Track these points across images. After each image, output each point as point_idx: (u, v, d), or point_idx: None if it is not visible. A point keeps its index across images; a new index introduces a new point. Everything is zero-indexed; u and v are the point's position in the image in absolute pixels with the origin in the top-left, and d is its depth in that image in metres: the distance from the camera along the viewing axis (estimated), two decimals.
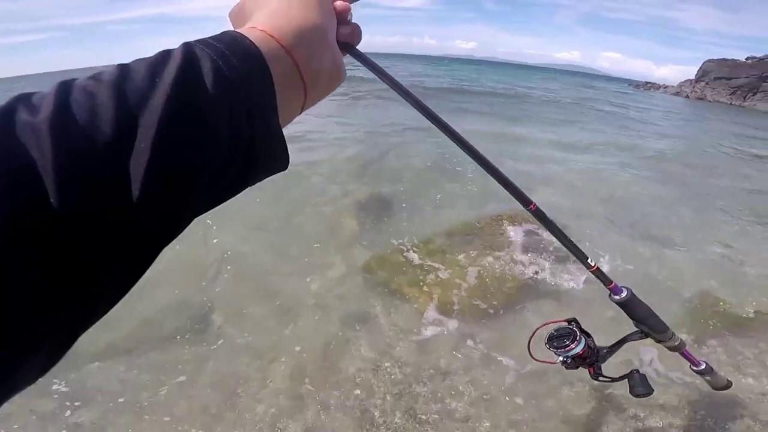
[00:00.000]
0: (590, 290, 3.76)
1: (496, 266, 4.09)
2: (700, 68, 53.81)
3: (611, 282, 1.23)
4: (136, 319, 3.34)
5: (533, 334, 1.61)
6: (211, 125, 0.30)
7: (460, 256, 4.19)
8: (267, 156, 0.37)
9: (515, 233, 4.65)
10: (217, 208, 0.41)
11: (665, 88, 54.42)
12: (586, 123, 14.70)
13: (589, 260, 1.15)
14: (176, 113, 0.28)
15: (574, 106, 21.20)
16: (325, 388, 2.75)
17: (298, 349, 3.07)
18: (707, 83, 49.66)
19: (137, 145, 0.26)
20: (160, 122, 0.27)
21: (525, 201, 0.89)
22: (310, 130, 9.12)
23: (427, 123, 0.78)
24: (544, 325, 1.59)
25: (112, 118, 0.26)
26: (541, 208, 0.95)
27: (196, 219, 0.38)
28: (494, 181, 0.90)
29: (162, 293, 3.67)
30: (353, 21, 0.52)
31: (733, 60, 51.45)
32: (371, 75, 0.61)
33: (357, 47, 0.53)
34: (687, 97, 46.68)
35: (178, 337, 3.20)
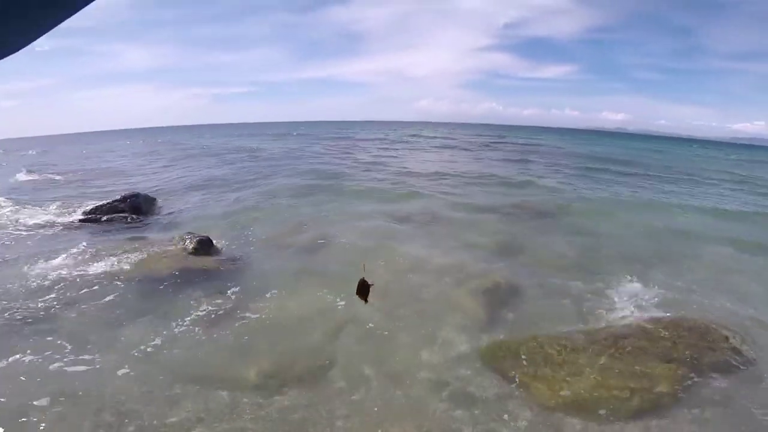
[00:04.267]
0: None
1: (639, 372, 3.46)
2: None
3: None
4: (273, 356, 3.77)
5: None
6: None
7: (599, 359, 3.63)
8: None
9: (663, 341, 3.90)
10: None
11: None
12: None
13: None
14: None
15: None
16: None
17: (405, 422, 3.01)
18: None
19: None
20: None
21: None
22: (455, 202, 9.44)
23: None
24: None
25: None
26: None
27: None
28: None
29: (298, 338, 4.11)
30: None
31: None
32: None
33: None
34: None
35: (299, 383, 3.45)
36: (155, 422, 2.94)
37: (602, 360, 3.57)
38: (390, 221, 8.00)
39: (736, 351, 3.85)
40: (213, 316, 4.45)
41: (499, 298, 4.84)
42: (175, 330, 4.14)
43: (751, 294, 5.29)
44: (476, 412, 3.10)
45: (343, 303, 4.77)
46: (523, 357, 3.69)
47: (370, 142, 30.69)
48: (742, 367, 3.65)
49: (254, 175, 14.62)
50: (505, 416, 3.07)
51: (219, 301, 4.75)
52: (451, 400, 3.23)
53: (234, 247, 6.60)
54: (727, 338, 4.04)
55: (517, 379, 3.43)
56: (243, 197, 10.61)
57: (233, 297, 4.87)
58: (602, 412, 3.07)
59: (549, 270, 5.82)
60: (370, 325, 4.32)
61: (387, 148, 26.03)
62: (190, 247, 5.92)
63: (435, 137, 38.41)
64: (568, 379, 3.38)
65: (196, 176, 14.75)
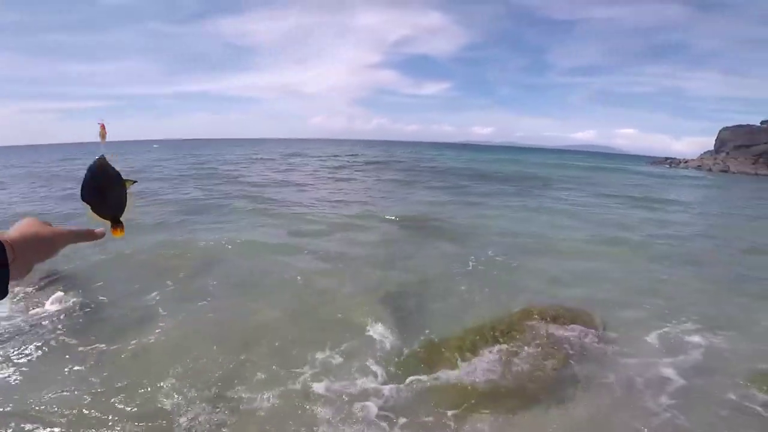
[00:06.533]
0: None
1: (523, 364, 3.98)
2: (717, 137, 52.66)
3: None
4: (170, 377, 3.60)
5: None
6: None
7: (490, 355, 4.11)
8: None
9: (545, 329, 4.58)
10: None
11: (686, 162, 53.60)
12: None
13: None
14: None
15: None
16: None
17: None
18: (728, 153, 48.37)
19: None
20: None
21: None
22: (336, 222, 9.68)
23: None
24: None
25: None
26: None
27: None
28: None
29: (196, 359, 3.97)
30: None
31: (748, 126, 49.68)
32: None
33: None
34: (710, 170, 45.58)
35: (202, 401, 3.30)
36: None
37: (493, 356, 4.05)
38: (275, 239, 7.97)
39: (604, 339, 4.58)
40: (93, 354, 4.04)
41: (396, 307, 5.17)
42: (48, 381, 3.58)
43: (609, 280, 6.54)
44: (397, 423, 3.23)
45: (241, 319, 4.77)
46: (423, 362, 4.01)
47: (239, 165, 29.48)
48: (610, 351, 4.33)
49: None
50: (412, 420, 3.27)
51: (93, 337, 4.33)
52: (361, 411, 3.33)
53: (98, 274, 6.00)
54: (597, 324, 4.74)
55: (421, 384, 3.69)
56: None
57: (109, 330, 4.53)
58: (497, 406, 3.44)
59: (435, 276, 6.43)
60: (274, 342, 4.32)
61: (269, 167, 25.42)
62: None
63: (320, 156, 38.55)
64: (465, 378, 3.75)
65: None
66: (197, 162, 30.37)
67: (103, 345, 4.22)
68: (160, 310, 5.03)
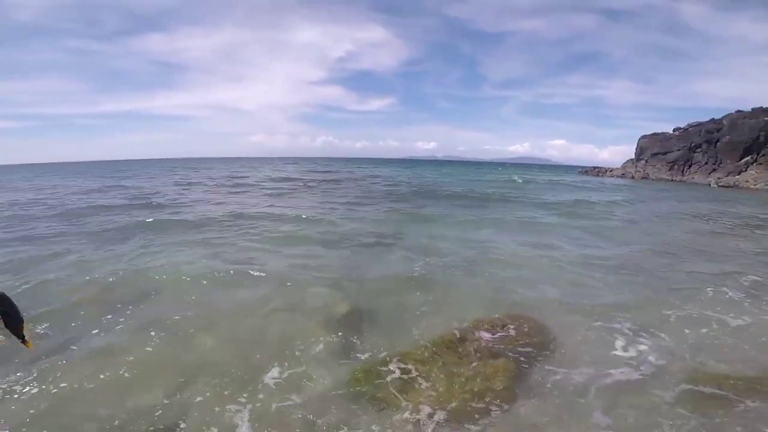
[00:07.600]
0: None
1: (473, 377, 4.07)
2: (637, 145, 55.99)
3: None
4: (104, 420, 3.31)
5: None
6: None
7: (447, 367, 4.19)
8: None
9: (493, 339, 4.76)
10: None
11: (611, 171, 58.53)
12: None
13: None
14: None
15: None
16: None
17: None
18: (647, 161, 52.58)
19: None
20: None
21: None
22: (287, 242, 9.45)
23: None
24: None
25: None
26: None
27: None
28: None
29: (135, 395, 3.67)
30: None
31: (663, 133, 52.68)
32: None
33: None
34: (632, 177, 49.98)
35: None
36: None
37: (450, 367, 4.14)
38: (215, 266, 7.61)
39: (549, 335, 4.87)
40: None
41: (350, 325, 5.15)
42: None
43: (545, 282, 6.88)
44: None
45: (186, 351, 4.50)
46: (382, 378, 4.02)
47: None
48: (557, 349, 4.61)
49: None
50: None
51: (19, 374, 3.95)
52: None
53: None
54: (543, 330, 4.98)
55: (383, 401, 3.71)
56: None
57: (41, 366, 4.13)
58: (458, 416, 3.53)
59: (387, 290, 6.49)
60: (223, 375, 4.09)
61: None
62: None
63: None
64: (427, 392, 3.81)
65: None
66: (114, 186, 27.75)
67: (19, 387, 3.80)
68: (86, 346, 4.63)
